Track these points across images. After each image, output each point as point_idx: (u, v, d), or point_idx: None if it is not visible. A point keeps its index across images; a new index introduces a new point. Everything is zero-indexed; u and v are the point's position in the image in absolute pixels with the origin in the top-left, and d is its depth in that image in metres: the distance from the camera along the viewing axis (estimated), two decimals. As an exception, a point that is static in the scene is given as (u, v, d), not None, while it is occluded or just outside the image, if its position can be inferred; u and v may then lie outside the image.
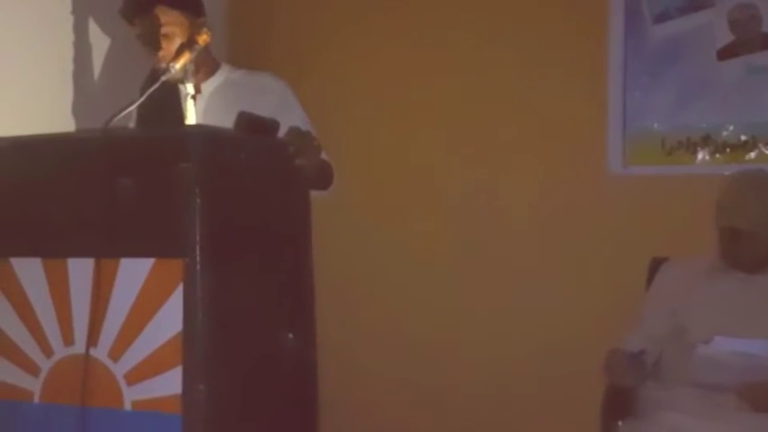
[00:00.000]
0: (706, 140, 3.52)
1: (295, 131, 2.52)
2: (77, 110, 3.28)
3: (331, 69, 4.05)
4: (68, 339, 2.31)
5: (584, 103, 3.67)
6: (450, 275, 3.87)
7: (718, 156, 3.51)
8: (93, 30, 3.33)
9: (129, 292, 2.24)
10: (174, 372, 2.19)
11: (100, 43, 3.36)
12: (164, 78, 2.49)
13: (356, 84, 4.02)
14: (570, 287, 3.66)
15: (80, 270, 2.29)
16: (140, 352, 2.24)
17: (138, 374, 2.24)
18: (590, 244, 3.66)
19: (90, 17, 3.30)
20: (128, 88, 2.81)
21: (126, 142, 2.33)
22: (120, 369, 2.25)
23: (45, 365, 2.34)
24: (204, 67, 2.83)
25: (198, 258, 2.17)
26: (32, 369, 2.35)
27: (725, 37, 3.48)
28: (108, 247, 2.25)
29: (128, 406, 2.24)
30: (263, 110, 2.47)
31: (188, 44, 2.62)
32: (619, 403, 2.87)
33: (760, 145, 3.46)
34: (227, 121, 2.40)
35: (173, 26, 2.71)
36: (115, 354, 2.26)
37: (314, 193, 2.56)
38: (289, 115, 2.66)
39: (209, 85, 2.86)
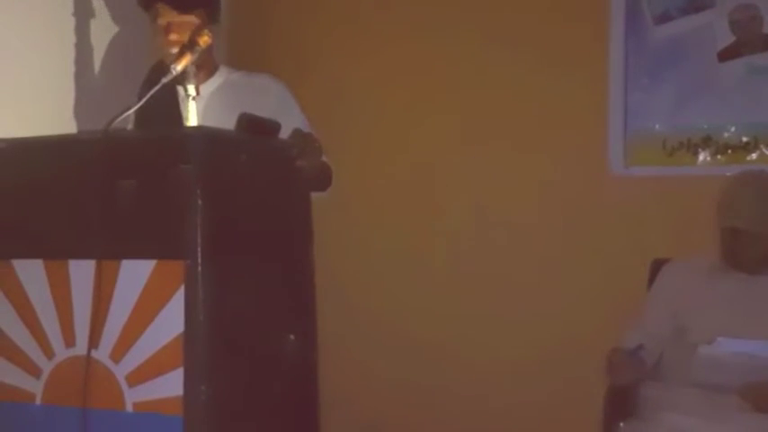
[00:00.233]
0: (707, 141, 3.52)
1: (299, 133, 2.52)
2: (79, 111, 3.29)
3: (330, 69, 4.05)
4: (70, 341, 2.31)
5: (585, 104, 3.67)
6: (451, 276, 3.87)
7: (719, 157, 3.51)
8: (95, 31, 3.33)
9: (131, 294, 2.24)
10: (176, 373, 2.19)
11: (101, 45, 3.37)
12: (165, 80, 2.49)
13: (355, 83, 4.02)
14: (571, 288, 3.66)
15: (81, 271, 2.29)
16: (142, 353, 2.24)
17: (139, 376, 2.23)
18: (591, 244, 3.65)
19: (92, 19, 3.31)
20: (129, 90, 2.81)
21: (127, 144, 2.33)
22: (121, 370, 2.25)
23: (46, 367, 2.34)
24: (204, 68, 2.84)
25: (199, 260, 2.17)
26: (34, 370, 2.35)
27: (726, 38, 3.49)
28: (109, 248, 2.25)
29: (129, 407, 2.24)
30: (262, 111, 2.47)
31: (189, 46, 2.62)
32: (620, 404, 2.87)
33: (761, 146, 3.46)
34: (226, 122, 2.40)
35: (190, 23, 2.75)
36: (116, 355, 2.26)
37: (313, 195, 2.56)
38: (288, 117, 2.66)
39: (208, 87, 2.86)
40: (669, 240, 3.42)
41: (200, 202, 2.17)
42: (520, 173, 3.79)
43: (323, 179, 2.78)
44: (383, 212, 3.99)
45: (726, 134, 3.50)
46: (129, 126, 2.70)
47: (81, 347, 2.28)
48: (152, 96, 2.44)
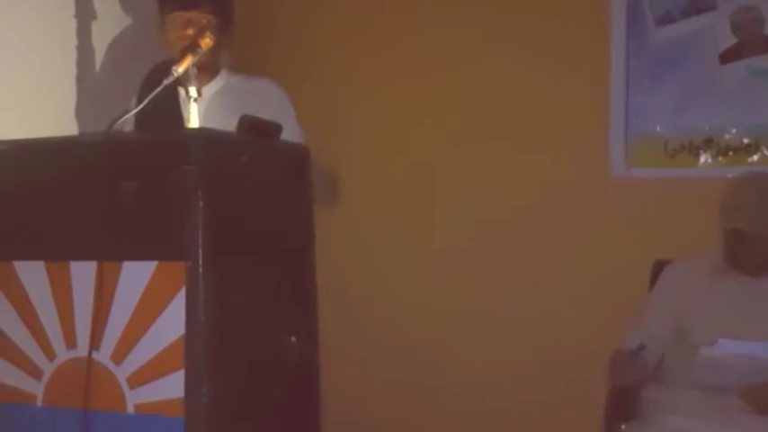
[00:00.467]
0: (708, 143, 3.52)
1: None
2: (80, 113, 3.29)
3: (331, 69, 4.06)
4: (71, 342, 2.31)
5: (587, 106, 3.67)
6: (451, 277, 3.87)
7: (720, 158, 3.51)
8: (96, 33, 3.33)
9: (132, 295, 2.25)
10: (177, 375, 2.19)
11: (103, 46, 3.37)
12: (167, 82, 2.49)
13: (355, 83, 4.02)
14: (572, 289, 3.66)
15: (83, 273, 2.29)
16: (143, 355, 2.24)
17: (140, 378, 2.24)
18: (592, 246, 3.65)
19: (93, 21, 3.31)
20: (131, 92, 2.82)
21: (128, 145, 2.34)
22: (122, 372, 2.26)
23: (48, 368, 2.34)
24: (207, 70, 2.85)
25: (200, 261, 2.17)
26: (35, 372, 2.35)
27: (727, 39, 3.48)
28: (111, 249, 2.26)
29: (130, 409, 2.24)
30: (263, 114, 2.47)
31: (191, 47, 2.62)
32: (622, 406, 2.87)
33: (762, 148, 3.46)
34: (227, 124, 2.40)
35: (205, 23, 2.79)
36: (118, 357, 2.26)
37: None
38: (284, 124, 2.65)
39: (209, 89, 2.88)
40: (670, 242, 3.42)
41: (201, 203, 2.18)
42: (521, 174, 3.79)
43: (333, 192, 2.78)
44: (383, 212, 3.99)
45: (727, 136, 3.50)
46: (130, 127, 2.71)
47: (82, 349, 2.29)
48: (154, 98, 2.44)
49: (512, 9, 3.78)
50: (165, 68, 2.58)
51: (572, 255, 3.68)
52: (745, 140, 3.48)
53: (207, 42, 2.66)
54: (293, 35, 4.14)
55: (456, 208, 3.90)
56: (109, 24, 3.38)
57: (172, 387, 2.19)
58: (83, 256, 2.29)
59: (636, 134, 3.61)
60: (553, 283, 3.70)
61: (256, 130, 2.38)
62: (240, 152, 2.31)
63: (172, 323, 2.19)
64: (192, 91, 2.61)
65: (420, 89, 3.93)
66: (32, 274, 2.36)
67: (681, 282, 2.95)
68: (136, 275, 2.24)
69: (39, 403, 2.35)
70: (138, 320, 2.24)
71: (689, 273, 2.96)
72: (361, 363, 3.92)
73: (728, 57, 3.49)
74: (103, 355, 2.27)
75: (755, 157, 3.47)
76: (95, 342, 2.27)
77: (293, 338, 2.40)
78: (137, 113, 2.47)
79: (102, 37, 3.35)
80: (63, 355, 2.32)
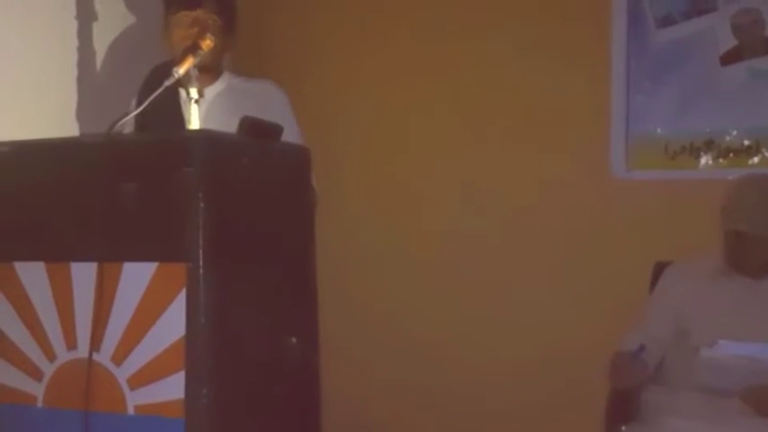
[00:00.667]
0: (709, 145, 3.52)
1: None
2: (81, 114, 3.29)
3: (330, 70, 4.06)
4: (71, 343, 2.31)
5: (587, 107, 3.67)
6: (452, 278, 3.87)
7: (721, 160, 3.51)
8: (98, 34, 3.33)
9: (132, 297, 2.25)
10: (177, 376, 2.19)
11: (104, 47, 3.37)
12: (167, 83, 2.49)
13: (356, 83, 4.02)
14: (573, 290, 3.66)
15: (83, 274, 2.29)
16: (143, 356, 2.24)
17: (141, 379, 2.24)
18: (593, 247, 3.65)
19: (94, 21, 3.31)
20: (132, 93, 2.82)
21: (129, 147, 2.34)
22: (123, 373, 2.26)
23: (48, 369, 2.34)
24: (210, 72, 2.85)
25: (201, 262, 2.17)
26: (35, 373, 2.35)
27: (728, 41, 3.48)
28: (111, 251, 2.26)
29: (131, 410, 2.25)
30: (264, 115, 2.47)
31: (192, 48, 2.63)
32: (622, 408, 2.87)
33: (763, 149, 3.46)
34: (228, 126, 2.40)
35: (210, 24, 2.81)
36: (118, 358, 2.26)
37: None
38: (284, 125, 2.65)
39: (211, 91, 2.88)
40: (671, 243, 3.42)
41: (202, 204, 2.18)
42: (521, 175, 3.79)
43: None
44: (383, 212, 3.99)
45: (728, 138, 3.50)
46: (130, 128, 2.71)
47: (82, 350, 2.29)
48: (155, 100, 2.44)
49: (512, 10, 3.78)
50: (165, 69, 2.58)
51: (572, 256, 3.68)
52: (746, 142, 3.48)
53: (207, 44, 2.66)
54: (293, 35, 4.14)
55: (456, 208, 3.89)
56: (110, 25, 3.38)
57: (172, 388, 2.19)
58: (83, 257, 2.29)
59: (636, 136, 3.61)
60: (553, 285, 3.70)
61: (257, 131, 2.38)
62: (241, 154, 2.31)
63: (172, 324, 2.20)
64: (193, 92, 2.61)
65: (420, 89, 3.93)
66: (33, 275, 2.36)
67: (681, 283, 2.95)
68: (136, 276, 2.24)
69: (39, 404, 2.35)
70: (138, 321, 2.24)
71: (689, 274, 2.95)
72: (361, 363, 3.92)
73: (729, 58, 3.49)
74: (104, 357, 2.27)
75: (756, 159, 3.47)
76: (96, 343, 2.27)
77: (293, 339, 2.41)
78: (137, 114, 2.47)
79: (102, 38, 3.35)
80: (63, 356, 2.33)
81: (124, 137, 2.41)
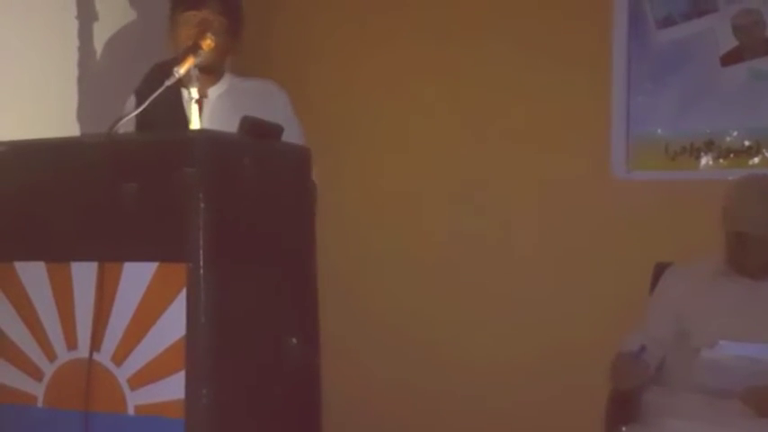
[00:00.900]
0: (709, 146, 3.52)
1: None
2: (82, 114, 3.29)
3: (330, 70, 4.06)
4: (72, 343, 2.31)
5: (588, 108, 3.67)
6: (452, 278, 3.87)
7: (721, 161, 3.51)
8: (98, 34, 3.33)
9: (133, 297, 2.25)
10: (178, 376, 2.19)
11: (104, 47, 3.37)
12: (168, 83, 2.49)
13: (356, 83, 4.02)
14: (573, 291, 3.65)
15: (84, 274, 2.29)
16: (143, 356, 2.24)
17: (141, 379, 2.24)
18: (593, 248, 3.65)
19: (95, 21, 3.31)
20: (132, 93, 2.82)
21: (130, 147, 2.34)
22: (123, 373, 2.25)
23: (48, 370, 2.34)
24: (213, 72, 2.86)
25: (201, 263, 2.17)
26: (36, 373, 2.35)
27: (728, 42, 3.48)
28: (112, 251, 2.26)
29: (131, 411, 2.24)
30: (267, 115, 2.47)
31: (192, 49, 2.63)
32: (622, 408, 2.87)
33: (763, 150, 3.46)
34: (232, 126, 2.40)
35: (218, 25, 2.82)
36: (118, 358, 2.26)
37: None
38: (287, 126, 2.66)
39: (214, 91, 2.89)
40: (672, 244, 3.42)
41: (202, 205, 2.18)
42: (522, 176, 3.79)
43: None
44: (383, 213, 3.98)
45: (728, 138, 3.50)
46: (131, 127, 2.71)
47: (83, 350, 2.29)
48: (156, 99, 2.44)
49: (513, 10, 3.78)
50: (165, 68, 2.58)
51: (573, 257, 3.68)
52: (747, 143, 3.48)
53: (208, 43, 2.66)
54: (293, 35, 4.14)
55: (456, 209, 3.89)
56: (110, 25, 3.38)
57: (172, 388, 2.19)
58: (84, 256, 2.29)
59: (637, 136, 3.61)
60: (554, 285, 3.70)
61: (257, 131, 2.38)
62: (242, 154, 2.31)
63: (172, 324, 2.19)
64: (194, 92, 2.61)
65: (420, 89, 3.93)
66: (33, 275, 2.36)
67: (682, 285, 2.95)
68: (137, 276, 2.24)
69: (39, 404, 2.34)
70: (138, 321, 2.24)
71: (690, 276, 2.95)
72: (362, 363, 3.92)
73: (729, 59, 3.49)
74: (104, 357, 2.27)
75: (756, 160, 3.47)
76: (96, 343, 2.27)
77: (294, 340, 2.40)
78: (139, 113, 2.47)
79: (103, 38, 3.35)
80: (64, 356, 2.32)
81: (125, 137, 2.41)
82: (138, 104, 2.51)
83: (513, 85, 3.78)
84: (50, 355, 2.34)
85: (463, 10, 3.87)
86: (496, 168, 3.82)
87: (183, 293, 2.19)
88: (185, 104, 2.74)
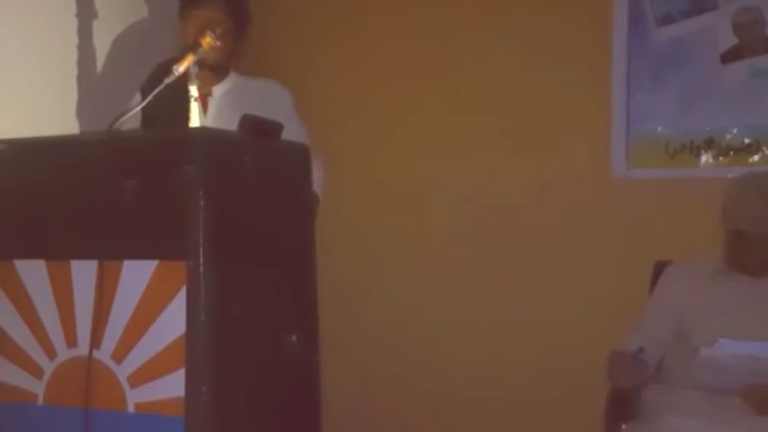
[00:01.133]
0: (709, 143, 3.52)
1: None
2: (82, 112, 3.29)
3: (329, 70, 4.06)
4: (72, 341, 2.31)
5: (588, 106, 3.67)
6: (452, 278, 3.87)
7: (721, 159, 3.51)
8: (98, 32, 3.33)
9: (133, 294, 2.25)
10: (178, 374, 2.19)
11: (104, 45, 3.37)
12: (168, 81, 2.49)
13: (355, 83, 4.02)
14: (573, 290, 3.65)
15: (83, 272, 2.29)
16: (143, 354, 2.24)
17: (141, 377, 2.24)
18: (593, 247, 3.65)
19: (95, 20, 3.31)
20: (132, 91, 2.82)
21: (130, 144, 2.34)
22: (123, 371, 2.26)
23: (48, 367, 2.34)
24: (218, 70, 2.87)
25: (201, 260, 2.18)
26: (36, 371, 2.35)
27: (728, 40, 3.48)
28: (111, 248, 2.26)
29: (131, 408, 2.25)
30: (271, 113, 2.48)
31: (192, 46, 2.63)
32: (622, 406, 2.86)
33: (763, 148, 3.46)
34: (235, 124, 2.40)
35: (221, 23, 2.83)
36: (118, 356, 2.26)
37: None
38: (289, 125, 2.66)
39: (218, 90, 2.90)
40: (671, 243, 3.42)
41: (202, 202, 2.18)
42: (522, 174, 3.78)
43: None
44: (383, 212, 3.98)
45: (728, 136, 3.50)
46: (136, 124, 2.71)
47: (83, 348, 2.29)
48: (162, 96, 2.45)
49: (512, 9, 3.78)
50: (169, 66, 2.59)
51: (572, 255, 3.68)
52: (746, 141, 3.48)
53: (208, 41, 2.67)
54: (292, 35, 4.14)
55: (456, 208, 3.89)
56: (110, 24, 3.38)
57: (172, 386, 2.19)
58: (84, 254, 2.30)
59: (637, 134, 3.61)
60: (553, 284, 3.70)
61: (257, 129, 2.38)
62: (242, 152, 2.31)
63: (172, 322, 2.20)
64: (194, 90, 2.61)
65: (419, 89, 3.93)
66: (33, 273, 2.36)
67: (681, 283, 2.94)
68: (137, 274, 2.24)
69: (39, 402, 2.35)
70: (138, 319, 2.24)
71: (690, 274, 2.95)
72: (361, 362, 3.92)
73: (729, 57, 3.49)
74: (104, 354, 2.27)
75: (756, 158, 3.47)
76: (96, 341, 2.27)
77: (293, 338, 2.40)
78: (146, 110, 2.47)
79: (103, 36, 3.36)
80: (64, 353, 2.33)
81: (125, 134, 2.41)
82: (143, 101, 2.51)
83: (512, 84, 3.78)
84: (50, 353, 2.34)
85: (462, 9, 3.87)
86: (496, 167, 3.82)
87: (183, 291, 2.19)
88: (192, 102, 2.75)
